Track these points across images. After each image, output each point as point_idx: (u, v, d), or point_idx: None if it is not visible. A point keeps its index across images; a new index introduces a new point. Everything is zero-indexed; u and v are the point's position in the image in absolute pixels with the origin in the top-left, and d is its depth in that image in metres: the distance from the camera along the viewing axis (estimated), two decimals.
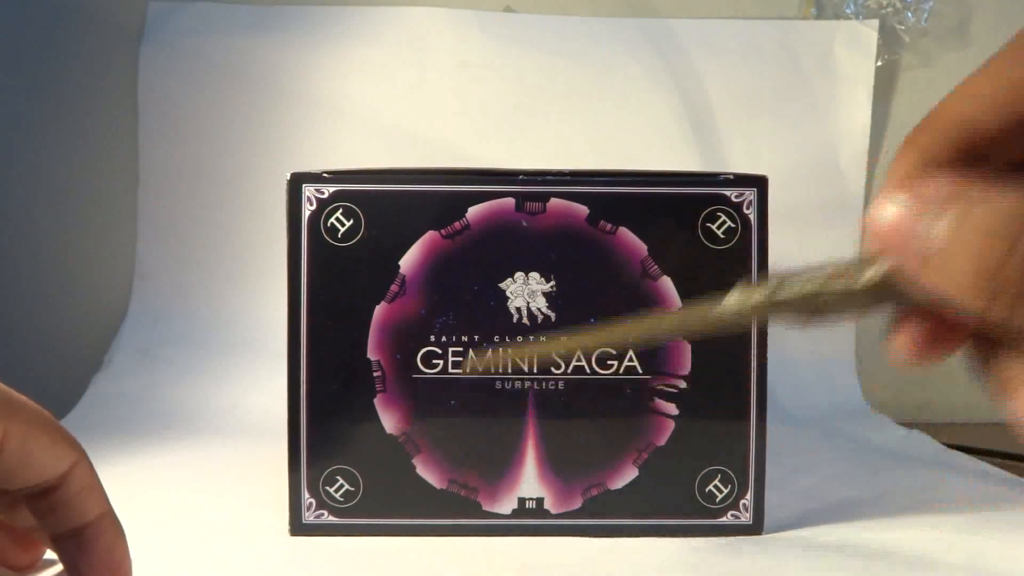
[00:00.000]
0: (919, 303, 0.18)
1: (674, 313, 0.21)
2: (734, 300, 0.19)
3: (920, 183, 0.17)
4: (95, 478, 0.26)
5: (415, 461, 0.35)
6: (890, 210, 0.17)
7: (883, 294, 0.18)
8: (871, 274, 0.18)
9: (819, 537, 0.36)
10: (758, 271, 0.35)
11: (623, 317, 0.22)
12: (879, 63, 0.70)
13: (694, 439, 0.35)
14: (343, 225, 0.35)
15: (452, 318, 0.35)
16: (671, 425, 0.35)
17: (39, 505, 0.25)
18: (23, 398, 0.25)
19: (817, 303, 0.18)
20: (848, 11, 0.71)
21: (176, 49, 0.68)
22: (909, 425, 0.59)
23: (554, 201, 0.35)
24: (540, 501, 0.35)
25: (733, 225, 0.35)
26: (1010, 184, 0.16)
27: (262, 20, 0.69)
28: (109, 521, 0.26)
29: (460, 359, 0.35)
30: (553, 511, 0.35)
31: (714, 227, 0.35)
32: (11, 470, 0.24)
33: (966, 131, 0.18)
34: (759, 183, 0.35)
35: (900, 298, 0.18)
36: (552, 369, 0.35)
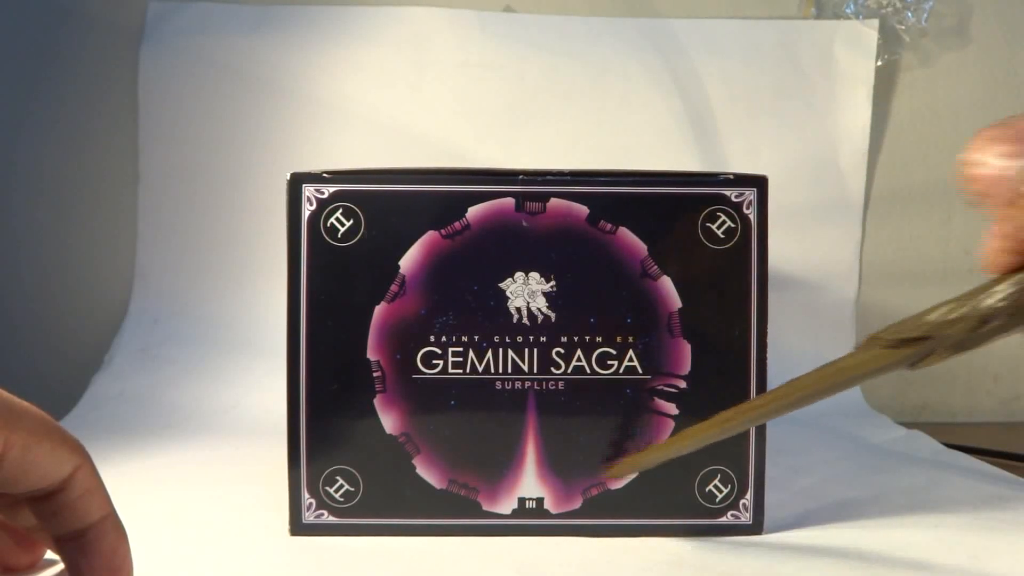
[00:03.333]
0: None
1: (813, 374, 0.20)
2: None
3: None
4: (98, 480, 0.26)
5: (415, 461, 0.35)
6: (990, 159, 0.15)
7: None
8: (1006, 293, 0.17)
9: (819, 537, 0.36)
10: (760, 276, 0.35)
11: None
12: (879, 63, 0.70)
13: None
14: (343, 225, 0.35)
15: (452, 318, 0.35)
16: (671, 425, 0.35)
17: (42, 507, 0.25)
18: (24, 404, 0.25)
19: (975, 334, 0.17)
20: (848, 11, 0.71)
21: (176, 49, 0.68)
22: (909, 425, 0.59)
23: (554, 201, 0.35)
24: (540, 501, 0.35)
25: (733, 225, 0.35)
26: None
27: (262, 20, 0.69)
28: (111, 523, 0.26)
29: (460, 359, 0.35)
30: (553, 511, 0.35)
31: (714, 227, 0.35)
32: (13, 477, 0.24)
33: None
34: (759, 183, 0.35)
35: None
36: (552, 369, 0.35)
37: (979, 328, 0.17)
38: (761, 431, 0.35)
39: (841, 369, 0.19)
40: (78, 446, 0.26)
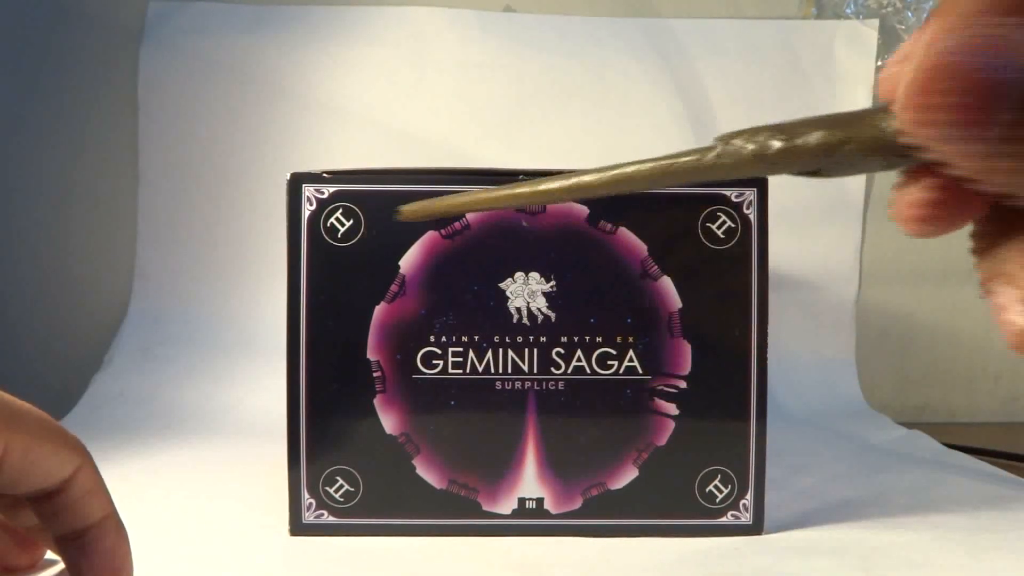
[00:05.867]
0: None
1: (651, 163, 0.17)
2: (736, 149, 0.16)
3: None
4: (99, 481, 0.26)
5: (415, 461, 0.35)
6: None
7: (904, 149, 0.15)
8: (894, 126, 0.15)
9: (819, 537, 0.36)
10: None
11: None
12: (879, 63, 0.70)
13: (694, 439, 0.35)
14: (343, 225, 0.35)
15: (452, 318, 0.35)
16: (671, 425, 0.35)
17: (43, 507, 0.25)
18: (25, 406, 0.25)
19: (835, 155, 0.15)
20: (848, 11, 0.71)
21: (176, 49, 0.68)
22: (909, 425, 0.59)
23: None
24: (540, 501, 0.35)
25: (733, 225, 0.35)
26: None
27: (262, 20, 0.69)
28: (112, 523, 0.26)
29: (460, 359, 0.35)
30: (553, 511, 0.35)
31: (714, 227, 0.35)
32: (14, 479, 0.24)
33: None
34: (759, 183, 0.35)
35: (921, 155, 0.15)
36: (552, 369, 0.35)
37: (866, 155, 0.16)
38: (761, 431, 0.35)
39: (695, 167, 0.16)
40: (79, 446, 0.26)
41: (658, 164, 0.17)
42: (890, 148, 0.15)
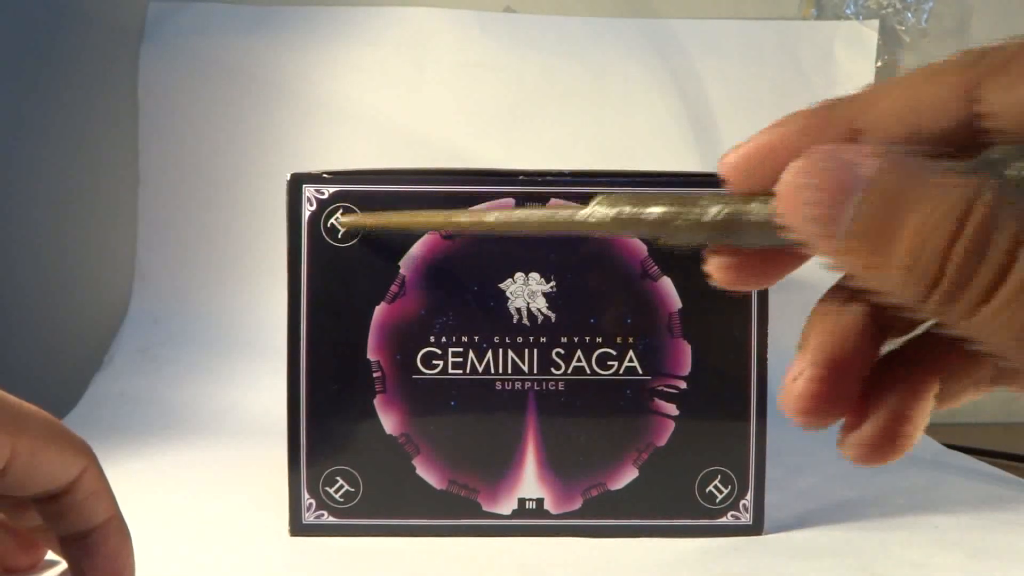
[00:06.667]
0: (774, 244, 0.18)
1: (541, 212, 0.20)
2: (599, 211, 0.19)
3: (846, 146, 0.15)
4: (104, 482, 0.26)
5: (415, 462, 0.35)
6: (805, 172, 0.15)
7: (736, 229, 0.18)
8: (723, 209, 0.18)
9: (819, 537, 0.36)
10: None
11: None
12: (879, 63, 0.70)
13: (694, 439, 0.35)
14: (343, 225, 0.35)
15: (452, 318, 0.35)
16: (671, 425, 0.35)
17: (48, 508, 0.25)
18: (31, 408, 0.25)
19: (673, 226, 0.18)
20: (848, 11, 0.71)
21: (176, 49, 0.68)
22: None
23: (554, 201, 0.35)
24: (540, 501, 0.35)
25: None
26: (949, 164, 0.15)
27: (262, 20, 0.69)
28: (116, 525, 0.26)
29: (460, 359, 0.35)
30: (553, 511, 0.35)
31: None
32: (20, 482, 0.24)
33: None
34: None
35: (756, 236, 0.18)
36: (552, 369, 0.35)
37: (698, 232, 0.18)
38: (761, 431, 0.35)
39: (571, 221, 0.19)
40: (84, 448, 0.26)
41: (544, 214, 0.20)
42: (712, 227, 0.18)
